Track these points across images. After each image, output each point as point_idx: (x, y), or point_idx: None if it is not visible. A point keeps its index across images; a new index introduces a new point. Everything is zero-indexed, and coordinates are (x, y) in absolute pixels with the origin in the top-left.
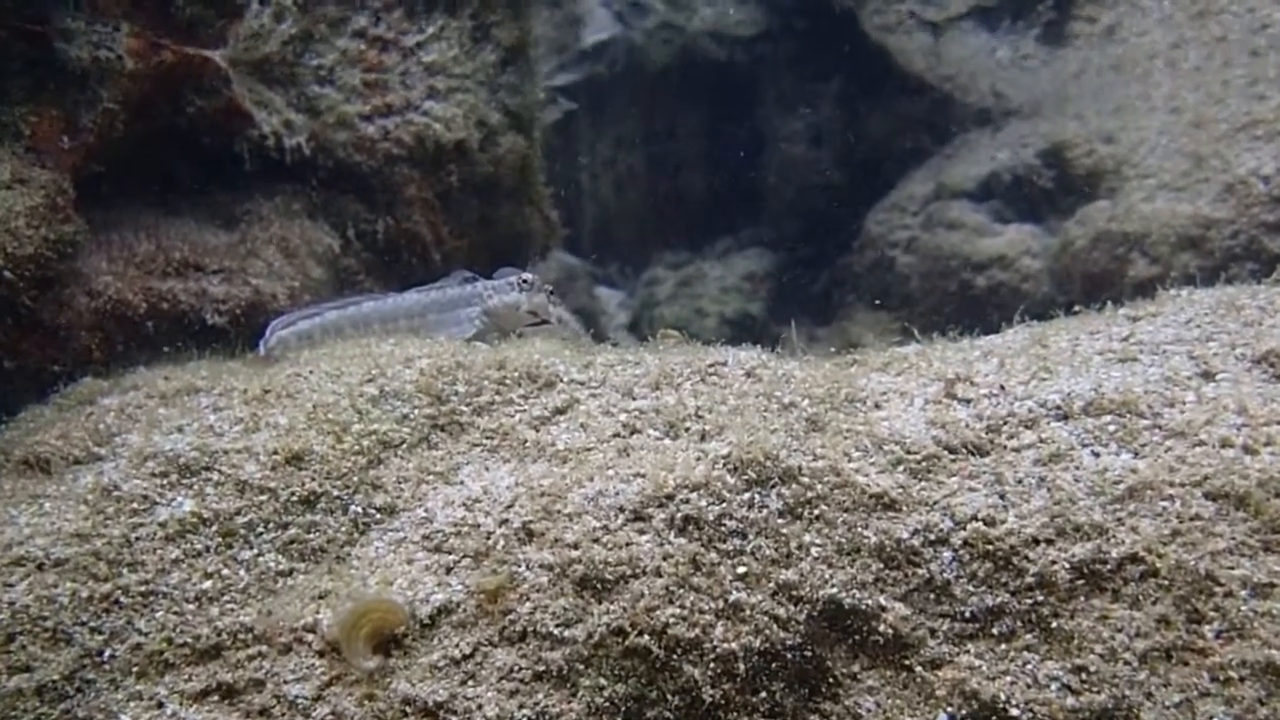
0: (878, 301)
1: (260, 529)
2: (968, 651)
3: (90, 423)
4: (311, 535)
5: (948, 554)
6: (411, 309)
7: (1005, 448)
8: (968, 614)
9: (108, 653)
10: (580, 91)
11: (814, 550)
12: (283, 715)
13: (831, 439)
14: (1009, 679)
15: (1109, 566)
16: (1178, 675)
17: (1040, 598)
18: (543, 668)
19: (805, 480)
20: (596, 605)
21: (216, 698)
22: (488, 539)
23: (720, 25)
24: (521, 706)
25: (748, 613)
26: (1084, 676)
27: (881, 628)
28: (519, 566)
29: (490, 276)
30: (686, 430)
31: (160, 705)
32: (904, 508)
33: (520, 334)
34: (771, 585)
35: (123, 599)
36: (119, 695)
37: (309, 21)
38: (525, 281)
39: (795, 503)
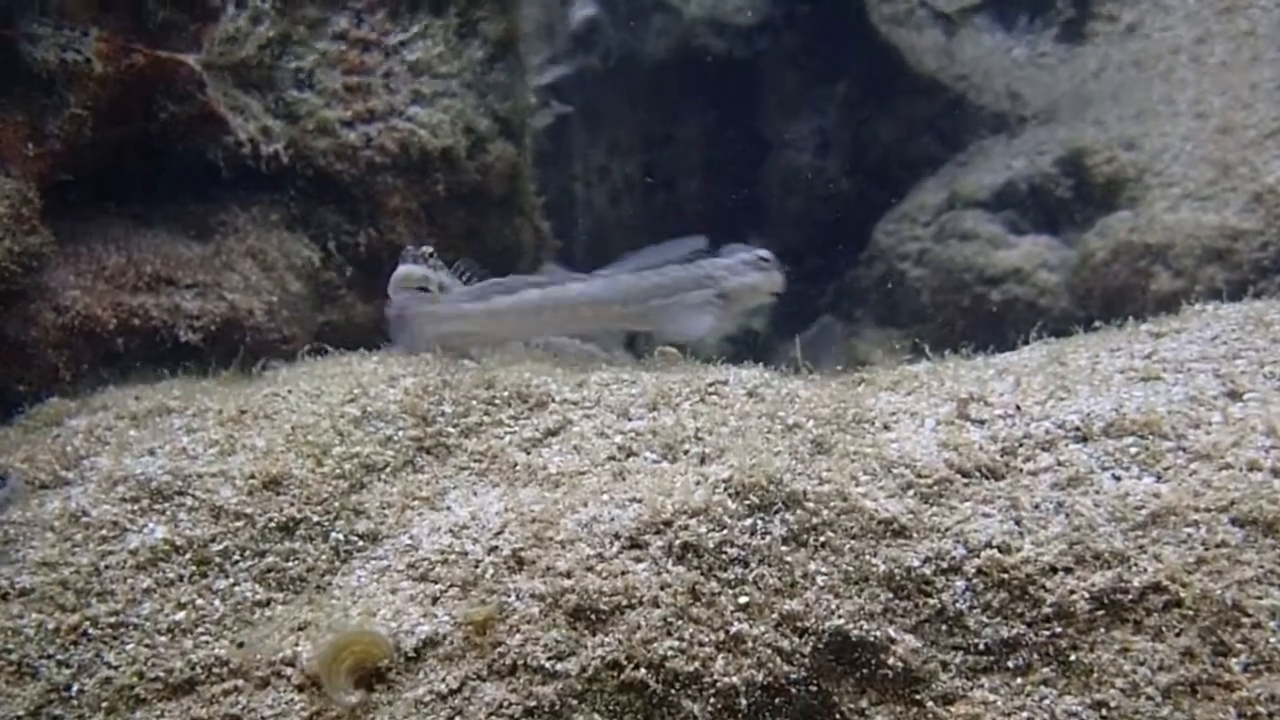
0: (886, 327)
1: (236, 557)
2: (982, 686)
3: (57, 445)
4: (290, 563)
5: (960, 583)
6: (629, 294)
7: (1021, 471)
8: (982, 646)
9: (75, 687)
10: (573, 90)
11: (820, 579)
12: None
13: (838, 462)
14: (1025, 715)
15: (1130, 596)
16: (1203, 711)
17: (1058, 629)
18: (534, 703)
19: (810, 505)
20: (590, 637)
21: None
22: (476, 567)
23: (718, 13)
24: None
25: (750, 645)
26: (1104, 712)
27: (891, 661)
28: (509, 596)
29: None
30: (685, 453)
31: None
32: (914, 534)
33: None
34: (775, 616)
35: (91, 630)
36: None
37: (287, 24)
38: (764, 259)
39: (800, 529)
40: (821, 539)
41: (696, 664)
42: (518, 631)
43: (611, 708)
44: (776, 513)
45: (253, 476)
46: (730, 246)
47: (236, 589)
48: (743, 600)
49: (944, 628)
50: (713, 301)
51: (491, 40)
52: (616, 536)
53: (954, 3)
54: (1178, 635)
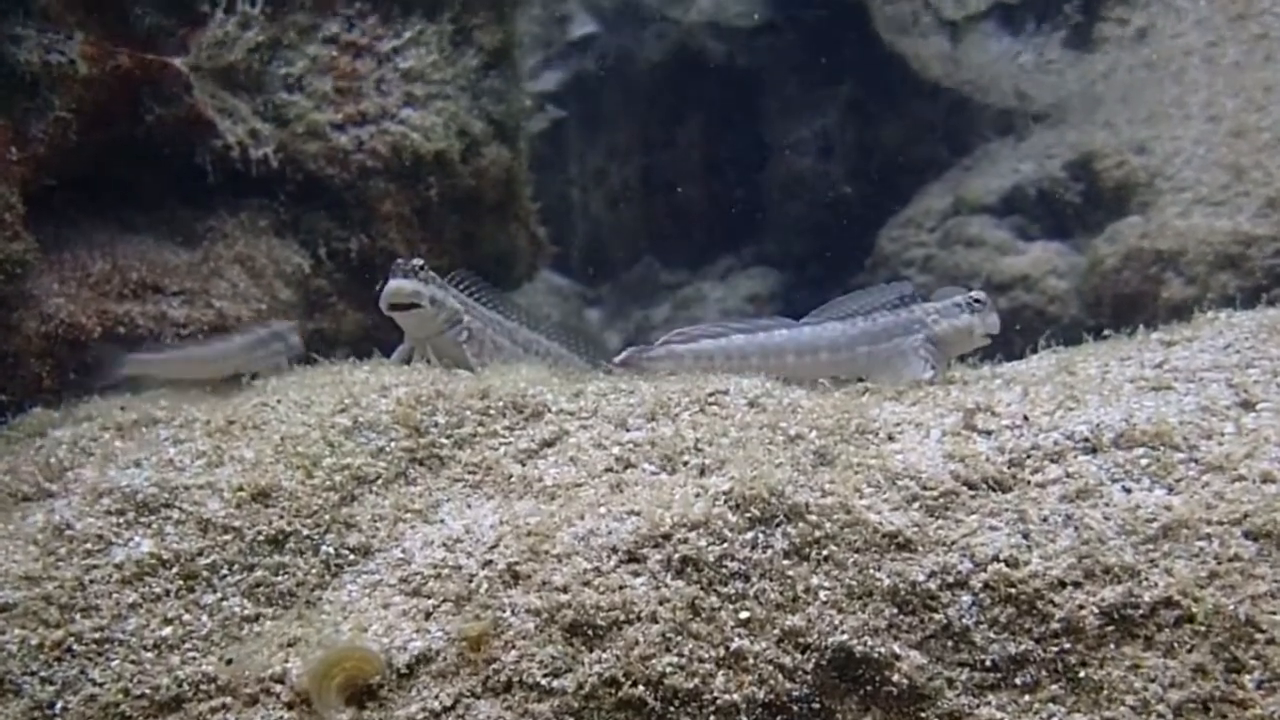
0: None
1: (224, 571)
2: (988, 703)
3: (40, 456)
4: (280, 578)
5: (967, 598)
6: (836, 340)
7: (1029, 483)
8: (988, 663)
9: (59, 705)
10: (569, 95)
11: (822, 594)
12: None
13: (841, 473)
14: None
15: (1141, 611)
16: None
17: (1067, 645)
18: None
19: (813, 518)
20: (587, 653)
21: None
22: (470, 582)
23: (719, 16)
24: None
25: (751, 661)
26: None
27: (895, 678)
28: (504, 611)
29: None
30: (685, 464)
31: None
32: (920, 548)
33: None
34: (777, 632)
35: (76, 647)
36: None
37: (277, 28)
38: (977, 301)
39: (802, 542)
40: (824, 553)
41: (696, 681)
42: (513, 647)
43: None
44: (778, 526)
45: (241, 489)
46: (943, 290)
47: (224, 604)
48: (744, 615)
49: (950, 644)
50: (923, 346)
51: (487, 49)
52: (614, 550)
53: (960, 9)
54: (1189, 651)
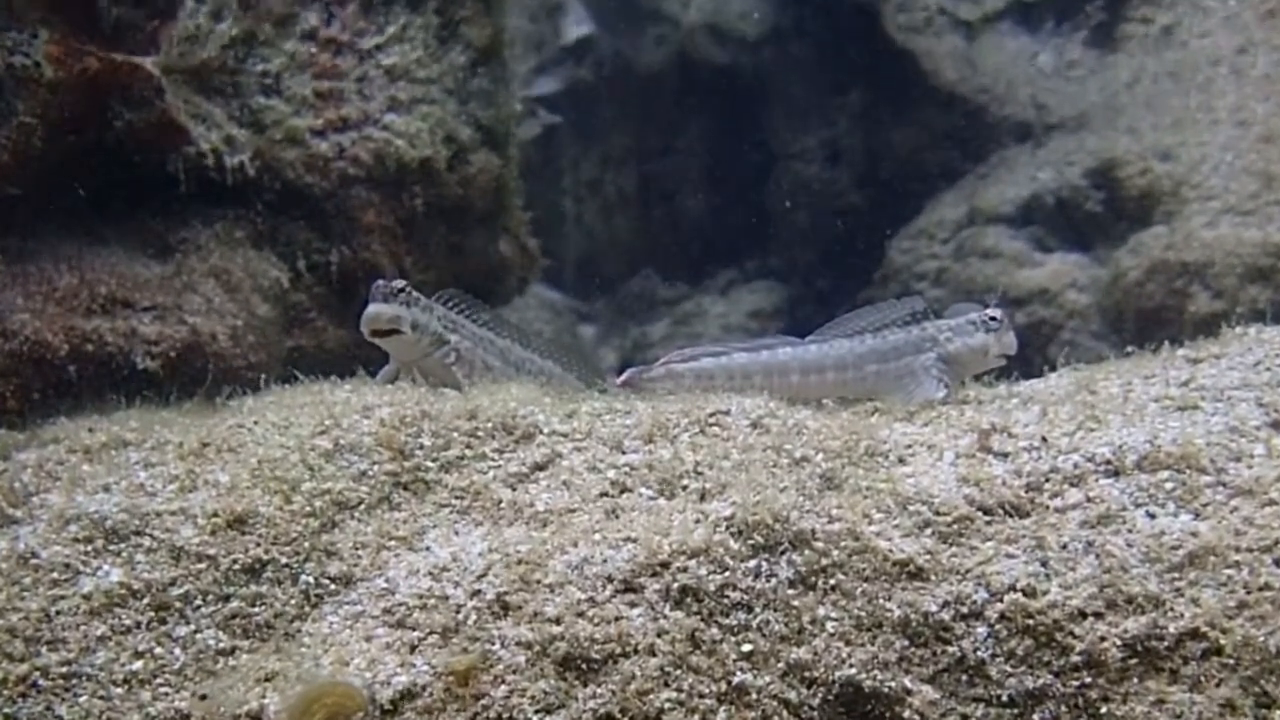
0: None
1: (198, 602)
2: None
3: (4, 481)
4: (256, 609)
5: (982, 629)
6: (843, 359)
7: (1047, 508)
8: (1005, 698)
9: None
10: (563, 101)
11: (829, 625)
12: None
13: (849, 498)
14: None
15: (1166, 643)
16: None
17: (1088, 679)
18: None
19: (819, 545)
20: (581, 688)
21: None
22: (457, 613)
23: (720, 19)
24: None
25: (754, 697)
26: None
27: (907, 714)
28: (493, 644)
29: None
30: (684, 488)
31: None
32: (932, 577)
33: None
34: (781, 665)
35: (41, 681)
36: None
37: (251, 21)
38: (993, 319)
39: (808, 571)
40: (831, 582)
41: (696, 717)
42: (503, 682)
43: None
44: (783, 553)
45: (216, 515)
46: (957, 306)
47: (198, 636)
48: (746, 648)
49: (964, 678)
50: (935, 366)
51: (475, 44)
52: (609, 579)
53: (976, 9)
54: (1217, 686)
